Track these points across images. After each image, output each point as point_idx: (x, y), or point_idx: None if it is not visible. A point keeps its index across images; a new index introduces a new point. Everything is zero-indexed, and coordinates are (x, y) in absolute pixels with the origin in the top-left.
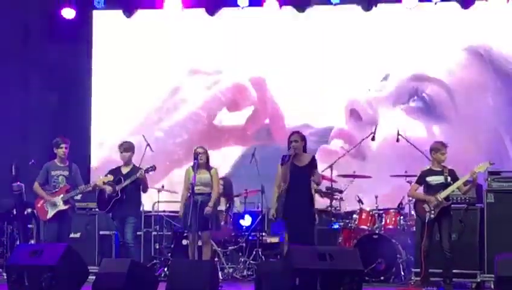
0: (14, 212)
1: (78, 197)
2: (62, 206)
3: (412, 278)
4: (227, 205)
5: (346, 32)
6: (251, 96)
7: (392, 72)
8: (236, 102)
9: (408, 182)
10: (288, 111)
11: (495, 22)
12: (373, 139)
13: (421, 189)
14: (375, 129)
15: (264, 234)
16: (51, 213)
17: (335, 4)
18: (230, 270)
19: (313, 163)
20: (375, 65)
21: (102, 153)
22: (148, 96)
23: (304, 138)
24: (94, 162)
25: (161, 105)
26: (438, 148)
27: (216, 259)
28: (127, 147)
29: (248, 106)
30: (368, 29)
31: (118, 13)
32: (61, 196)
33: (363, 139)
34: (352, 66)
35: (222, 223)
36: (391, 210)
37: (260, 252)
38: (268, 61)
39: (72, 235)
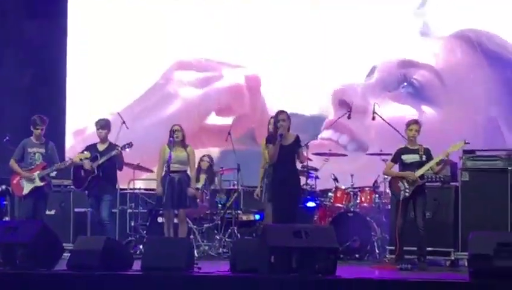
0: None
1: (53, 174)
2: (38, 183)
3: (387, 255)
4: (205, 182)
5: (331, 18)
6: (244, 102)
7: (379, 59)
8: (230, 107)
9: (383, 160)
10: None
11: (483, 3)
12: (349, 117)
13: (396, 167)
14: (351, 108)
15: (239, 212)
16: (26, 189)
17: None
18: (206, 247)
19: (297, 142)
20: (363, 53)
21: (78, 131)
22: (125, 75)
23: (289, 118)
24: (69, 139)
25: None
26: (407, 123)
27: (191, 236)
28: (103, 124)
29: (240, 112)
30: (352, 13)
31: None
32: (38, 172)
33: (339, 118)
34: (339, 54)
35: (197, 200)
36: (366, 188)
37: (235, 230)
38: (257, 51)
39: (46, 212)
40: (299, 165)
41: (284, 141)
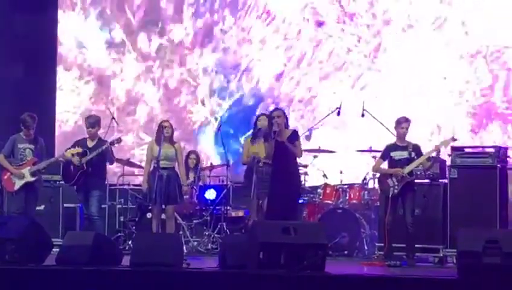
0: None
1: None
2: (29, 178)
3: (376, 252)
4: (193, 178)
5: None
6: None
7: None
8: None
9: (373, 157)
10: None
11: None
12: (338, 114)
13: (385, 164)
14: (341, 105)
15: (228, 208)
16: (18, 185)
17: None
18: (195, 243)
19: (293, 137)
20: None
21: (67, 126)
22: (119, 74)
23: (285, 114)
24: (59, 135)
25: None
26: (398, 121)
27: (181, 232)
28: (92, 123)
29: None
30: None
31: None
32: (29, 168)
33: (328, 115)
34: None
35: (187, 196)
36: (355, 185)
37: (225, 226)
38: None
39: (36, 207)
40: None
41: (280, 138)
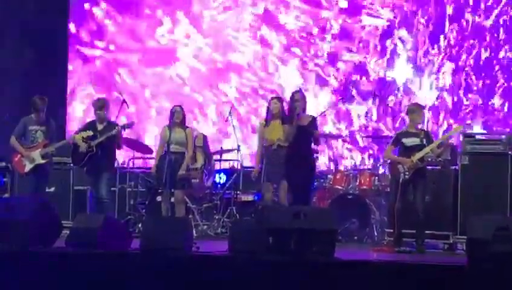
0: None
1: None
2: (40, 161)
3: (385, 238)
4: (204, 162)
5: None
6: None
7: None
8: None
9: (386, 143)
10: None
11: None
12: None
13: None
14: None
15: (238, 192)
16: (28, 167)
17: None
18: (205, 227)
19: (313, 123)
20: None
21: (78, 110)
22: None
23: (305, 98)
24: (70, 118)
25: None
26: (414, 109)
27: (190, 216)
28: (100, 106)
29: None
30: None
31: None
32: (39, 150)
33: (338, 100)
34: None
35: (197, 180)
36: (366, 170)
37: (234, 210)
38: None
39: (46, 189)
40: None
41: (299, 122)
